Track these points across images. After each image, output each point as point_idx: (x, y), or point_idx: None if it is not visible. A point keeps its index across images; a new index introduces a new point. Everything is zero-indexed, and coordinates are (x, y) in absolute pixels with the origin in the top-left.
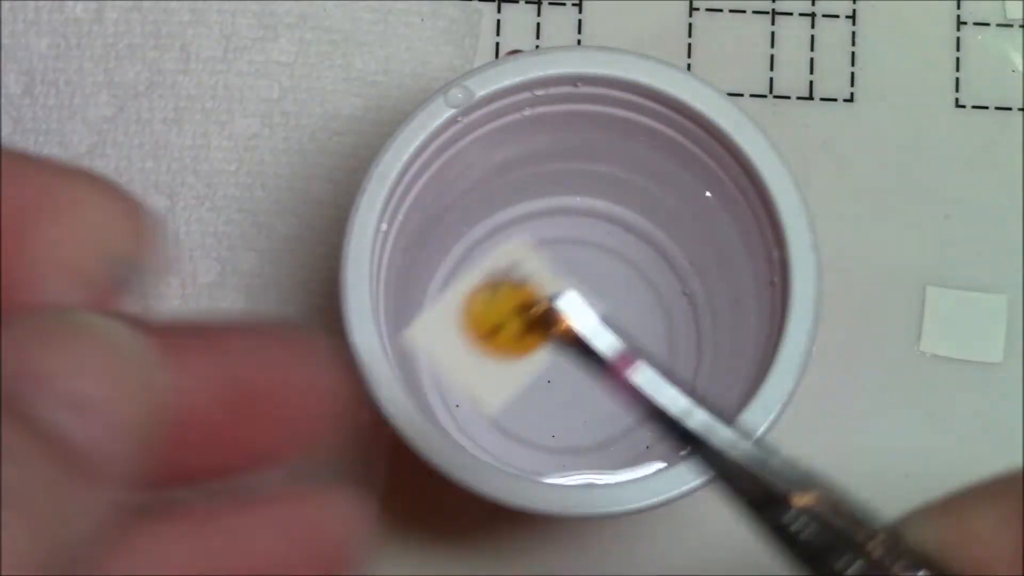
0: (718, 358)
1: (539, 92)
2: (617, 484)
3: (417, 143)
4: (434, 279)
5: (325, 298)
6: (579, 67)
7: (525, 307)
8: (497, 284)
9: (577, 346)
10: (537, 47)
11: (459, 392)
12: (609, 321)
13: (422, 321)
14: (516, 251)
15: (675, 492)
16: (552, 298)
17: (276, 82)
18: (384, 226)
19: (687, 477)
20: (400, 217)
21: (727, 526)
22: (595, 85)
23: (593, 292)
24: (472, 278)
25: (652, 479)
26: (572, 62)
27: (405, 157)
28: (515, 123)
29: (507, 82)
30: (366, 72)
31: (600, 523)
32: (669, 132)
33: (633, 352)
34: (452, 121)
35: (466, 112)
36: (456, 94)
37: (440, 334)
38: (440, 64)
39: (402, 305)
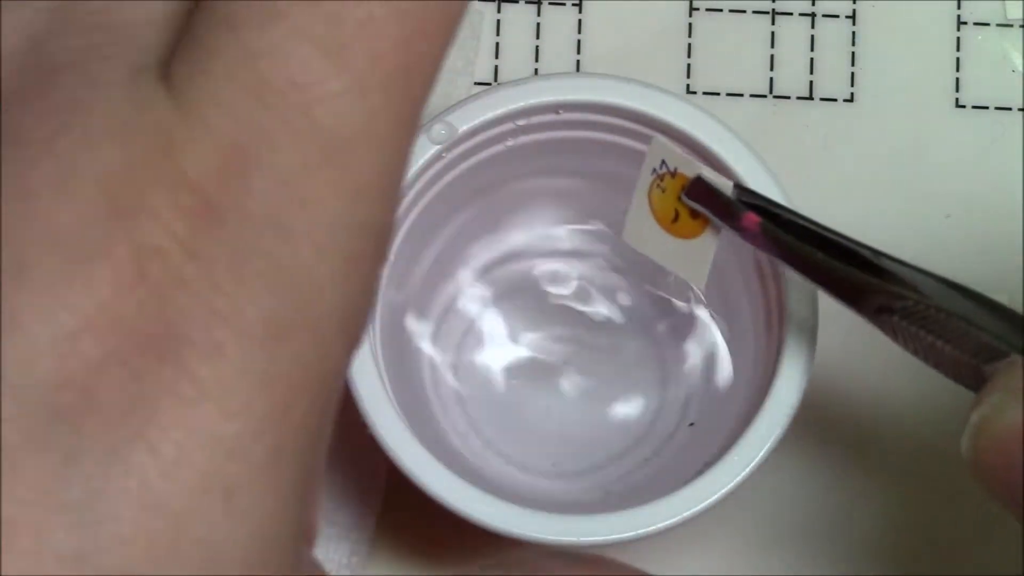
0: (718, 365)
1: (521, 122)
2: (619, 512)
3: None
4: (435, 306)
5: None
6: (560, 95)
7: (684, 189)
8: (661, 179)
9: (715, 201)
10: (537, 47)
11: (673, 273)
12: (741, 187)
13: (627, 228)
14: (659, 149)
15: (679, 518)
16: (695, 175)
17: None
18: None
19: (692, 501)
20: (391, 257)
21: (731, 543)
22: (577, 111)
23: (586, 313)
24: (644, 180)
25: (657, 505)
26: (553, 90)
27: None
28: (499, 154)
29: (489, 115)
30: None
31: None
32: None
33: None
34: (436, 157)
35: (449, 148)
36: (439, 130)
37: (644, 231)
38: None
39: (396, 342)
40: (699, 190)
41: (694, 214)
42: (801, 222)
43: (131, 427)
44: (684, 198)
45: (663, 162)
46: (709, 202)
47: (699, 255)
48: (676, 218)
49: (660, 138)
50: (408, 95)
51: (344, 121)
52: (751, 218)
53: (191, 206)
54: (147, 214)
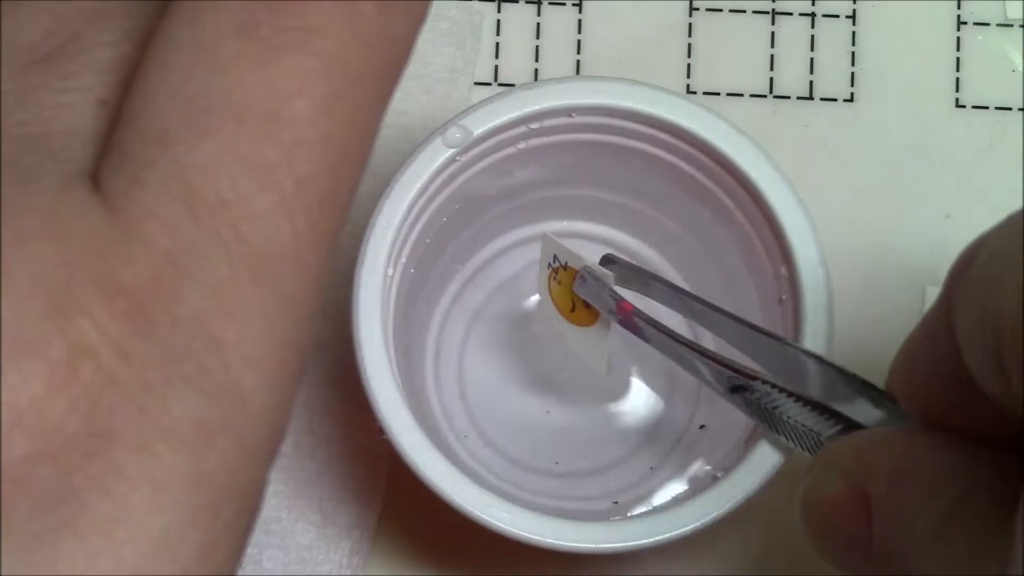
0: None
1: (534, 125)
2: (634, 520)
3: (418, 186)
4: (438, 309)
5: (327, 300)
6: (573, 98)
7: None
8: (556, 272)
9: (597, 292)
10: (537, 47)
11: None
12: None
13: (535, 321)
14: (549, 245)
15: (693, 526)
16: (581, 268)
17: None
18: (390, 271)
19: (706, 510)
20: (404, 260)
21: (743, 549)
22: (589, 114)
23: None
24: (542, 274)
25: (672, 512)
26: (566, 94)
27: (407, 202)
28: (512, 156)
29: (503, 118)
30: None
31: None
32: (664, 155)
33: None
34: (450, 161)
35: (464, 151)
36: (454, 134)
37: (549, 321)
38: (442, 66)
39: (408, 343)
40: (583, 281)
41: (587, 304)
42: (657, 321)
43: (59, 516)
44: (574, 289)
45: (555, 256)
46: (592, 293)
47: (596, 342)
48: (573, 308)
49: (549, 235)
50: (330, 219)
51: (270, 240)
52: (625, 307)
53: (124, 309)
54: (82, 314)
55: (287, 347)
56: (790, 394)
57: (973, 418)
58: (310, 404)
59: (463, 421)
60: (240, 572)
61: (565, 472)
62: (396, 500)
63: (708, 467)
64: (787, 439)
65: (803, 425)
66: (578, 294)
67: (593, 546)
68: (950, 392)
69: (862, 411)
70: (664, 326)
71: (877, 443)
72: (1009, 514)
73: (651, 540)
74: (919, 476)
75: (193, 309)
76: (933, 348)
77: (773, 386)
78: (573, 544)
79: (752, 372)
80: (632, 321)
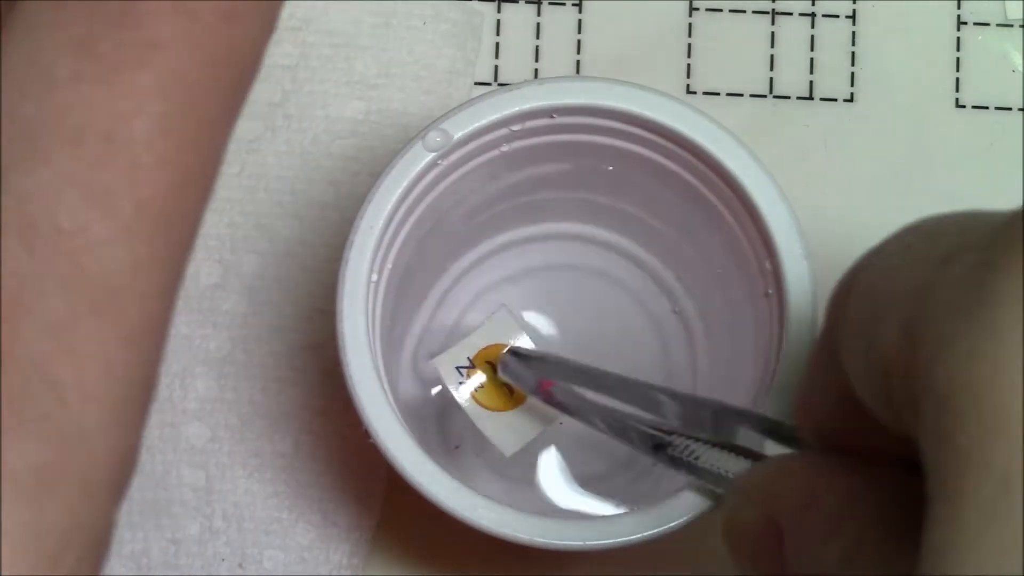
0: (716, 373)
1: (516, 127)
2: (622, 516)
3: (399, 191)
4: (419, 314)
5: (326, 300)
6: (554, 99)
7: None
8: (468, 377)
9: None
10: (537, 48)
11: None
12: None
13: (499, 445)
14: (446, 362)
15: (682, 520)
16: (500, 356)
17: (279, 85)
18: (375, 276)
19: (684, 508)
20: (389, 265)
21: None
22: (571, 115)
23: (581, 316)
24: (463, 399)
25: (661, 507)
26: (546, 95)
27: (389, 207)
28: (495, 159)
29: (483, 121)
30: (368, 75)
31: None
32: (648, 153)
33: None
34: (432, 165)
35: (445, 154)
36: (434, 138)
37: (505, 432)
38: (442, 67)
39: (393, 346)
40: (505, 367)
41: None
42: (578, 393)
43: None
44: (499, 374)
45: (456, 368)
46: (515, 375)
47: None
48: (511, 391)
49: (435, 362)
50: (175, 242)
51: (111, 269)
52: (545, 385)
53: None
54: None
55: (130, 382)
56: (706, 442)
57: (869, 438)
58: (309, 405)
59: (459, 429)
60: (241, 572)
61: (567, 480)
62: (396, 501)
63: None
64: (714, 486)
65: (724, 470)
66: (502, 378)
67: (580, 543)
68: (844, 415)
69: (768, 445)
70: (583, 396)
71: (780, 471)
72: (911, 531)
73: (638, 536)
74: (820, 505)
75: (30, 348)
76: (823, 374)
77: (689, 437)
78: (560, 542)
79: (669, 427)
80: (553, 397)
